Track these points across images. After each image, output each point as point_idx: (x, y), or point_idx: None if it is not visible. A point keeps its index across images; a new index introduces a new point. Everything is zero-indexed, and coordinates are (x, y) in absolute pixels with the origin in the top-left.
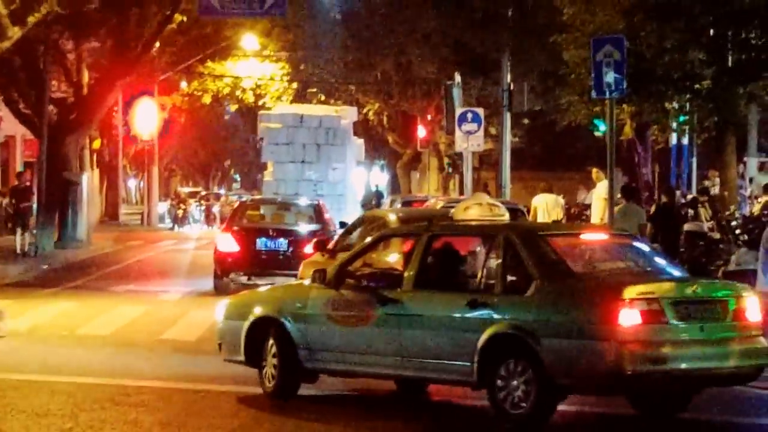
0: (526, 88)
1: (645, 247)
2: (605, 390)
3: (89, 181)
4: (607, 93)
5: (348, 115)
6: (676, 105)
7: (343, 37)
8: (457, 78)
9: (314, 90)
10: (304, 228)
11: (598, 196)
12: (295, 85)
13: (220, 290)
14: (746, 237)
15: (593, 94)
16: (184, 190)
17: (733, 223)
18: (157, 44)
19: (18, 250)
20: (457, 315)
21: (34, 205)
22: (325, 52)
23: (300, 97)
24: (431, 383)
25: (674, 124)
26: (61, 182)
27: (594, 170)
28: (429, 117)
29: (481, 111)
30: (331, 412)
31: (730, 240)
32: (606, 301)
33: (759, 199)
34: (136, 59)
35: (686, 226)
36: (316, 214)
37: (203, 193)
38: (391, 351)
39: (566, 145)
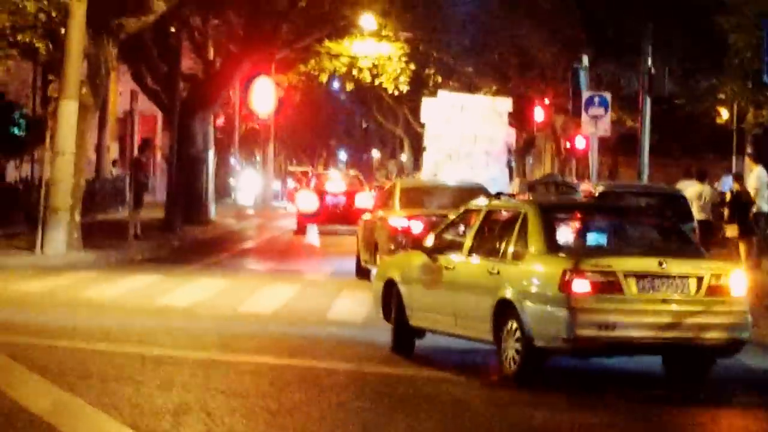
0: (667, 72)
1: (663, 223)
2: (568, 352)
3: (214, 158)
4: None
5: (504, 104)
6: None
7: (462, 19)
8: (585, 61)
9: (432, 71)
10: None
11: (750, 186)
12: (412, 66)
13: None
14: None
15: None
16: (293, 169)
17: None
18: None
19: (131, 231)
20: (483, 280)
21: (152, 182)
22: (443, 33)
23: (417, 78)
24: (470, 341)
25: None
26: (188, 159)
27: (746, 159)
28: (546, 100)
29: (608, 95)
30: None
31: None
32: (565, 271)
33: None
34: (270, 36)
35: None
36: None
37: (311, 172)
38: (449, 311)
39: (684, 133)
